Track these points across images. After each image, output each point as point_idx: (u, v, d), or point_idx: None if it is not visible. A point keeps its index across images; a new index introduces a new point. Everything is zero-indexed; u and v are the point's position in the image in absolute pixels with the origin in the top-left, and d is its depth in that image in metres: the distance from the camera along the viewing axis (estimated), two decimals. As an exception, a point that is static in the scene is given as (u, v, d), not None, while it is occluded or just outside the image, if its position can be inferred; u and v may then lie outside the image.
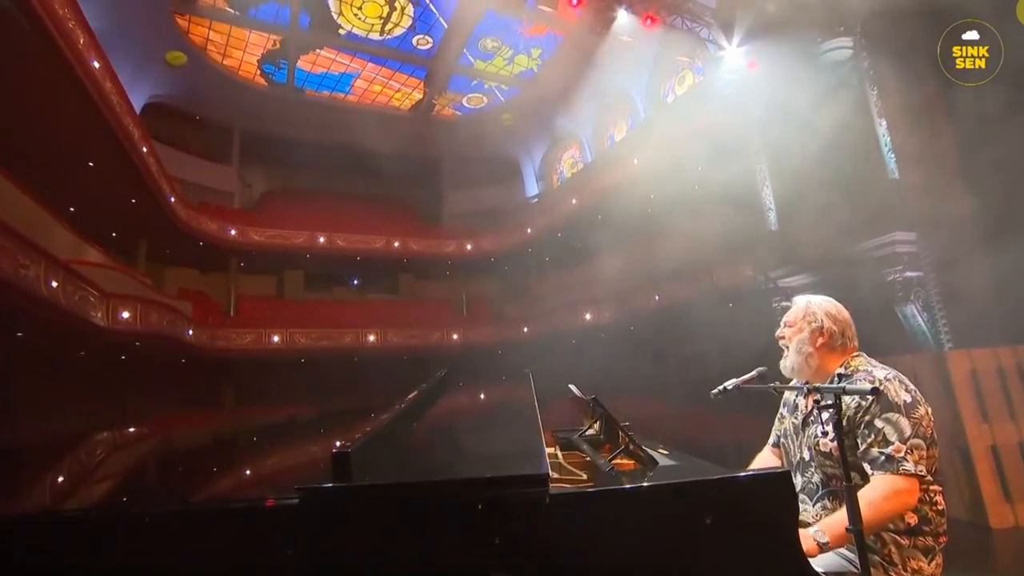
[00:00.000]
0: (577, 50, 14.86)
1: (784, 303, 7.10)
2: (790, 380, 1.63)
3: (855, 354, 1.57)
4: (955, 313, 6.17)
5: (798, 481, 1.57)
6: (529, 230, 18.43)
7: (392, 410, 1.51)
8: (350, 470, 1.07)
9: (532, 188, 21.68)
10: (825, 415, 1.46)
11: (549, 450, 2.49)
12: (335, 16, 14.47)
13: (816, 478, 1.52)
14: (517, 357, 17.27)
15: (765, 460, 1.78)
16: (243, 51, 15.17)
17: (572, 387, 2.16)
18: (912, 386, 1.44)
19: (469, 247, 19.35)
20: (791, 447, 1.65)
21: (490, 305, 20.24)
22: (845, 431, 1.40)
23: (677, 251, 12.10)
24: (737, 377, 1.69)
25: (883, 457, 1.35)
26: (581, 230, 15.97)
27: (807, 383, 1.58)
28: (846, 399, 1.38)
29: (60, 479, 1.72)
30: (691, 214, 11.28)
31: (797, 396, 1.68)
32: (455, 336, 17.59)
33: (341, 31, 14.93)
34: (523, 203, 21.17)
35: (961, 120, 5.85)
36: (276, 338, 14.75)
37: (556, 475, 1.54)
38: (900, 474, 1.33)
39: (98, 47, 8.88)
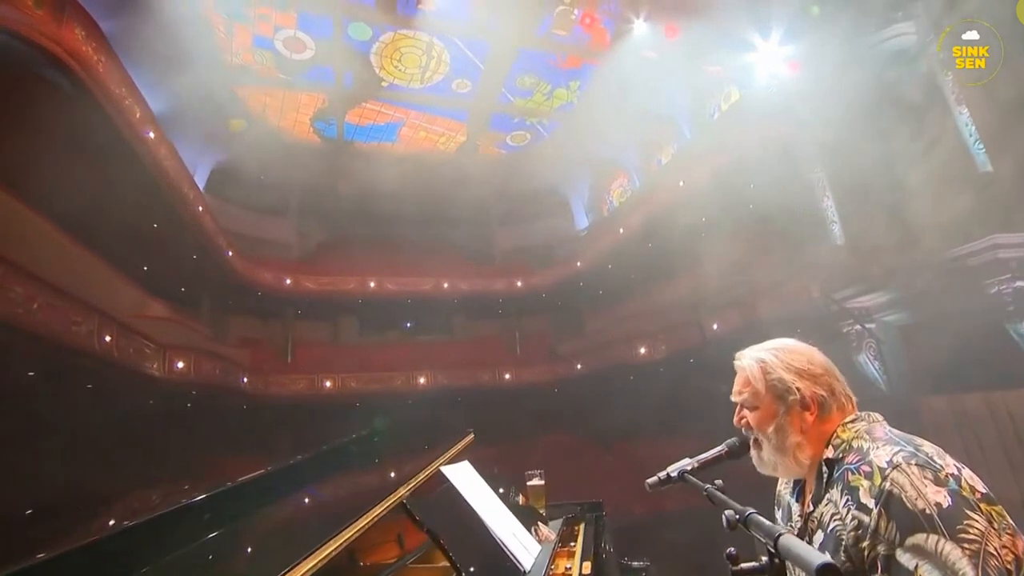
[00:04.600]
0: (614, 78, 14.52)
1: (855, 327, 5.98)
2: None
3: (849, 418, 0.92)
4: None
5: None
6: (579, 264, 17.86)
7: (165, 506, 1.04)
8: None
9: (582, 221, 21.19)
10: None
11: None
12: (377, 70, 15.14)
13: None
14: (571, 396, 16.39)
15: None
16: (296, 111, 16.20)
17: (444, 471, 1.55)
18: (953, 467, 0.76)
19: (519, 284, 19.02)
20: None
21: (543, 342, 19.60)
22: (852, 571, 0.78)
23: (734, 275, 11.04)
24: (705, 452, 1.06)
25: None
26: (632, 260, 15.20)
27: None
28: (842, 512, 0.78)
29: None
30: (747, 234, 10.31)
31: (790, 495, 1.03)
32: (507, 376, 17.07)
33: (383, 83, 15.57)
34: (573, 237, 20.70)
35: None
36: (328, 383, 14.93)
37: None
38: None
39: (153, 120, 9.64)
